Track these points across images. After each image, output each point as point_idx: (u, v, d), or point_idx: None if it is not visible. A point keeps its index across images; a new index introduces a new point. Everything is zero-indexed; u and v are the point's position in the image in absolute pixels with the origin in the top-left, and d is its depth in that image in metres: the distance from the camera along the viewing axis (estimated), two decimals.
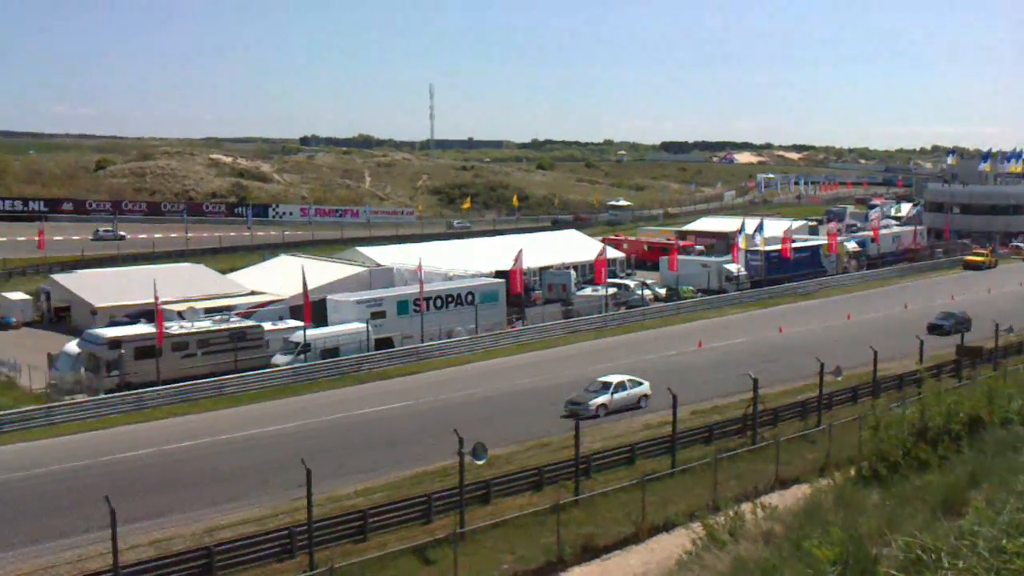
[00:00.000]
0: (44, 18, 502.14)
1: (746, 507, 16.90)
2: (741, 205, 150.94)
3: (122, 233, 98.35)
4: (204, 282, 61.20)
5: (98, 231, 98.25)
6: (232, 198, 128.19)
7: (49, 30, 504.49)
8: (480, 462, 26.76)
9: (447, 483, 28.27)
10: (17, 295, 60.79)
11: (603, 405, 37.84)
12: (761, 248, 72.92)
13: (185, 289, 56.41)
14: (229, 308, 52.63)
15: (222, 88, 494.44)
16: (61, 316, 59.20)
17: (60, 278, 62.14)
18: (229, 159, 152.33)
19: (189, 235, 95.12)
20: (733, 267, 70.46)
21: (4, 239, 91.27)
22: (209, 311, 50.79)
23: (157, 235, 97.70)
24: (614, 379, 39.34)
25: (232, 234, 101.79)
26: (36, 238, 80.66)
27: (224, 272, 66.94)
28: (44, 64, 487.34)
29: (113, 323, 50.14)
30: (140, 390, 42.04)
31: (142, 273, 58.79)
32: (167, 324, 45.25)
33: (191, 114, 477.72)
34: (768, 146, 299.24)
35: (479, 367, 48.98)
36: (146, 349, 43.76)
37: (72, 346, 45.58)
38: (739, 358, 46.51)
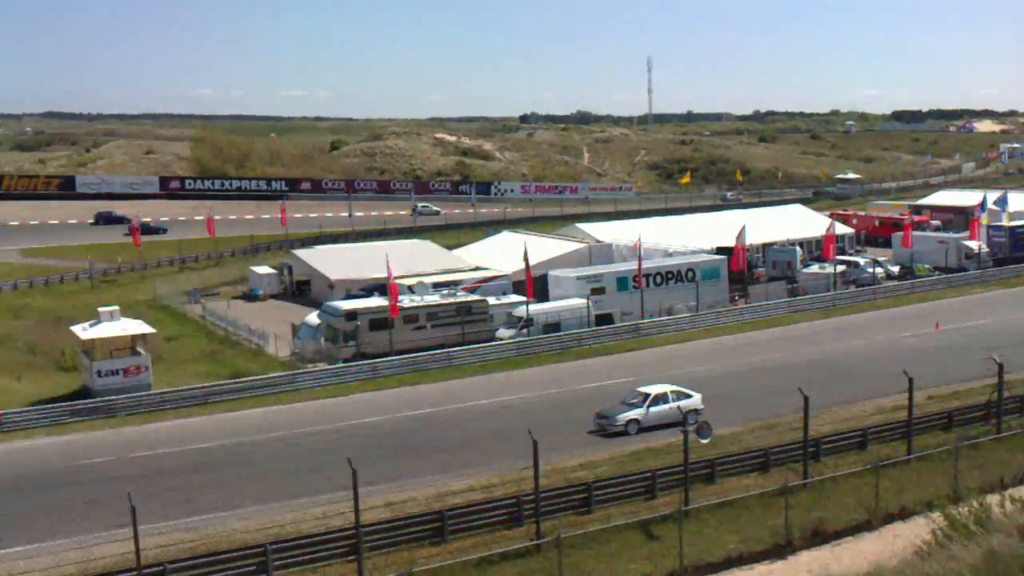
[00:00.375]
0: (284, 10, 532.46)
1: (992, 499, 16.00)
2: (982, 177, 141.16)
3: (436, 208, 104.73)
4: (431, 257, 63.55)
5: (416, 207, 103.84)
6: (456, 176, 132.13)
7: (288, 21, 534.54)
8: (704, 441, 26.58)
9: (669, 461, 28.21)
10: (264, 269, 65.27)
11: (635, 420, 33.29)
12: (1005, 223, 68.08)
13: (414, 264, 58.71)
14: (455, 283, 54.41)
15: (446, 69, 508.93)
16: (302, 289, 63.11)
17: (300, 253, 66.24)
18: (453, 138, 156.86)
19: (418, 213, 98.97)
20: (973, 244, 66.04)
21: (251, 217, 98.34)
22: (437, 285, 52.68)
23: (387, 212, 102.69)
24: (654, 390, 34.30)
25: (456, 211, 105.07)
26: (279, 216, 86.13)
27: (450, 248, 69.23)
28: (284, 51, 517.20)
29: (349, 296, 53.03)
30: (374, 360, 44.34)
31: (374, 249, 61.86)
32: (399, 298, 47.27)
33: (417, 95, 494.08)
34: (1012, 113, 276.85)
35: (700, 345, 48.42)
36: (380, 321, 46.00)
37: (312, 317, 48.56)
38: (981, 341, 43.60)
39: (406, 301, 47.99)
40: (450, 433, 34.51)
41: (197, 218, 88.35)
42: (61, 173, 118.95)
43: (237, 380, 41.63)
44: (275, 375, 42.63)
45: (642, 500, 26.61)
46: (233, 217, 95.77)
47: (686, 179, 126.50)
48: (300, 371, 43.49)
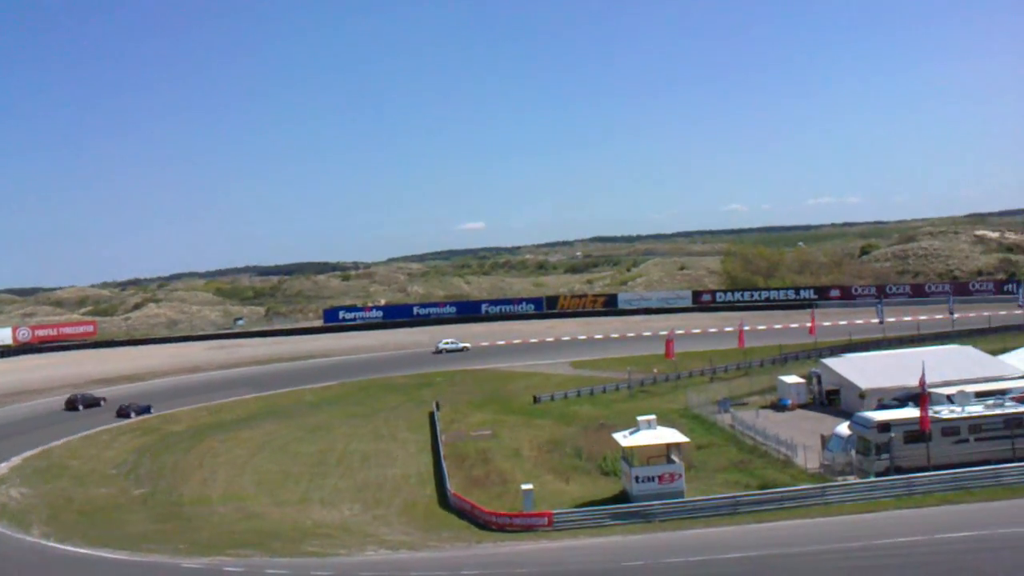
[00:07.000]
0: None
1: None
2: None
3: None
4: (972, 364, 58.70)
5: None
6: (1000, 275, 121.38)
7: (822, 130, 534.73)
8: None
9: None
10: (792, 379, 64.80)
11: None
12: None
13: (952, 371, 54.77)
14: (1002, 392, 49.60)
15: (981, 160, 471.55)
16: (831, 399, 61.54)
17: (829, 362, 64.79)
18: (995, 235, 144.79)
19: (955, 316, 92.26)
20: None
21: (780, 326, 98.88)
22: (980, 395, 48.43)
23: (922, 317, 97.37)
24: None
25: (1002, 313, 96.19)
26: (808, 324, 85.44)
27: (994, 353, 63.50)
28: (815, 162, 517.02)
29: (881, 406, 50.77)
30: (909, 475, 41.76)
31: (907, 356, 58.93)
32: (937, 408, 44.46)
33: (951, 192, 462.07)
34: None
35: None
36: (915, 433, 43.39)
37: (843, 428, 47.21)
38: None
39: (945, 412, 44.80)
40: (1007, 559, 31.18)
41: (727, 329, 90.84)
42: (606, 292, 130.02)
43: (766, 491, 41.64)
44: (805, 487, 41.87)
45: None
46: (762, 327, 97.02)
47: None
48: (830, 484, 42.22)
